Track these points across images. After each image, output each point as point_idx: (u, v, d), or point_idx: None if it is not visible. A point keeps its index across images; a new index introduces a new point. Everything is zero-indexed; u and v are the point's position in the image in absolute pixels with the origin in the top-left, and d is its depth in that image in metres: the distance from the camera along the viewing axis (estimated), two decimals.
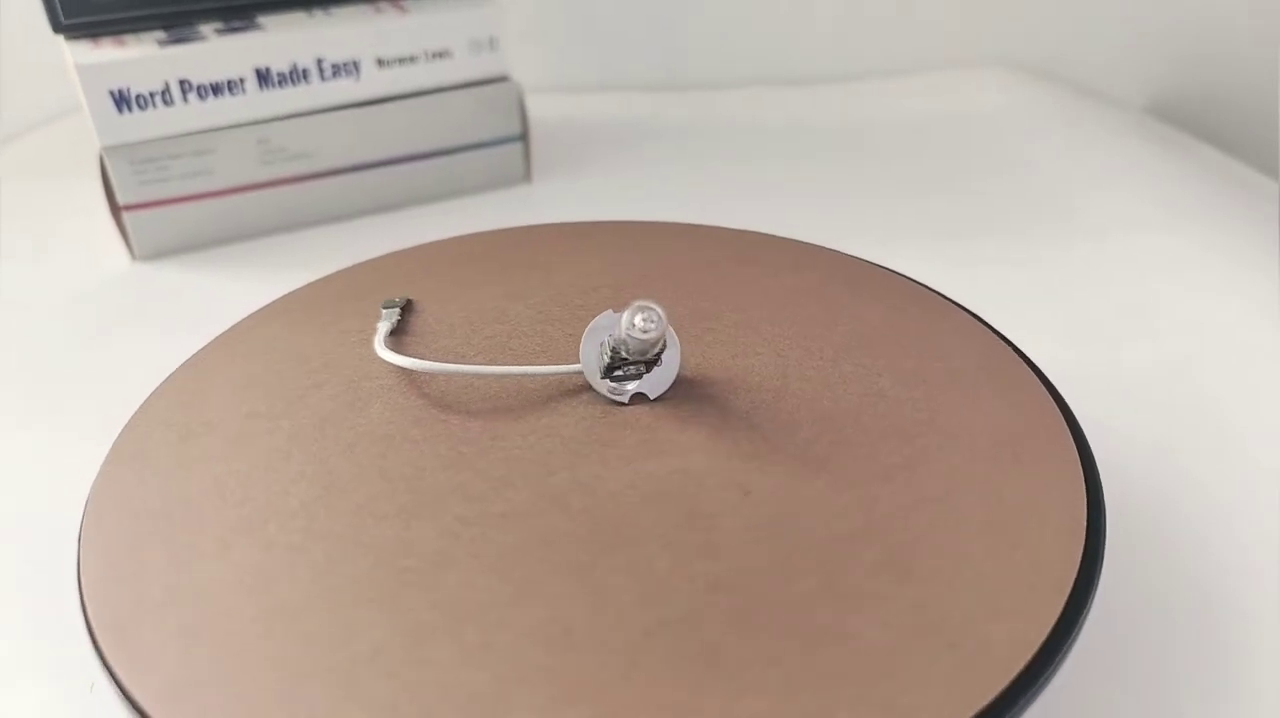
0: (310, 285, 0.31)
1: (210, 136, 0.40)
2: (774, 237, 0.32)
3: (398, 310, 0.28)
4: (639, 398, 0.25)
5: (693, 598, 0.19)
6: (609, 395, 0.25)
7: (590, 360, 0.25)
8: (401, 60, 0.42)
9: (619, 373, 0.25)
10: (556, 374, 0.25)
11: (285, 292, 0.32)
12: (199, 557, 0.20)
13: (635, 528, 0.21)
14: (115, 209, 0.39)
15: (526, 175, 0.47)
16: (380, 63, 0.42)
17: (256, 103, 0.40)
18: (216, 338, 0.28)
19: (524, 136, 0.46)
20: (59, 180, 0.48)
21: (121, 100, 0.38)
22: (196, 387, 0.26)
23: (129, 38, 0.40)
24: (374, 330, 0.28)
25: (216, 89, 0.39)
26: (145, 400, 0.26)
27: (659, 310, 0.23)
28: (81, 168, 0.47)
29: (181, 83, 0.39)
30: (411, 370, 0.26)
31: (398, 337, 0.28)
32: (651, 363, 0.25)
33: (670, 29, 0.60)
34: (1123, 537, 0.26)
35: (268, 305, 0.30)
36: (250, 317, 0.29)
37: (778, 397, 0.25)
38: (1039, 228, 0.42)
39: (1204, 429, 0.30)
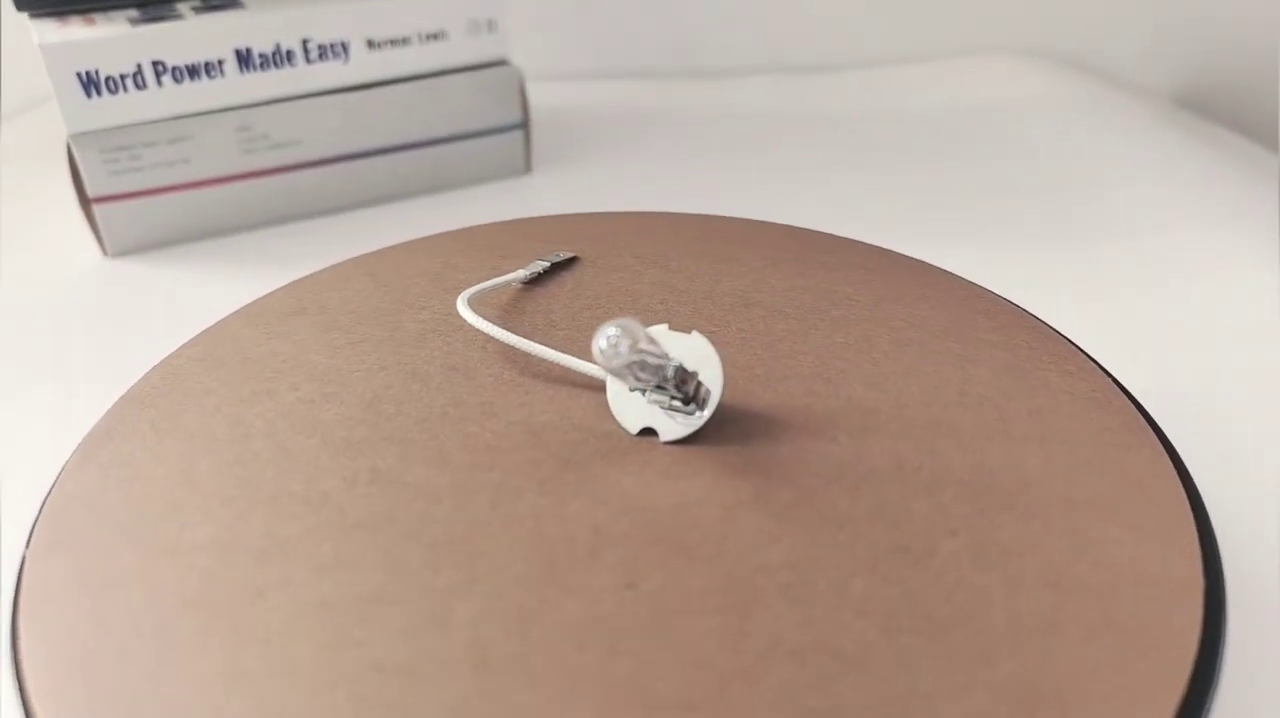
0: (314, 275, 0.29)
1: (187, 123, 0.37)
2: (904, 257, 0.31)
3: (546, 265, 0.29)
4: (648, 433, 0.22)
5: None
6: (615, 416, 0.22)
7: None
8: (393, 42, 0.40)
9: (656, 395, 0.22)
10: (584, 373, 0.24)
11: (267, 290, 0.29)
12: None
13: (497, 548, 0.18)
14: (85, 202, 0.36)
15: (526, 166, 0.44)
16: (371, 44, 0.39)
17: (237, 87, 0.37)
18: (191, 340, 0.26)
19: (524, 125, 0.43)
20: (24, 171, 0.45)
21: (90, 83, 0.35)
22: (169, 390, 0.24)
23: (98, 16, 0.37)
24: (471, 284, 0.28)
25: (193, 71, 0.37)
26: (114, 404, 0.24)
27: (618, 331, 0.20)
28: (50, 157, 0.44)
29: (155, 65, 0.36)
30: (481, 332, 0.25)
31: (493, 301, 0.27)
32: (689, 399, 0.22)
33: (677, 14, 0.58)
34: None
35: (248, 305, 0.27)
36: (229, 317, 0.27)
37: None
38: (1074, 224, 0.39)
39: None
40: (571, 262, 0.30)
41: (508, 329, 0.25)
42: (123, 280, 0.36)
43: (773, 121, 0.51)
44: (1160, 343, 0.32)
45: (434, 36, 0.40)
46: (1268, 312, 0.33)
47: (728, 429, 0.22)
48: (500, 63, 0.42)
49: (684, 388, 0.22)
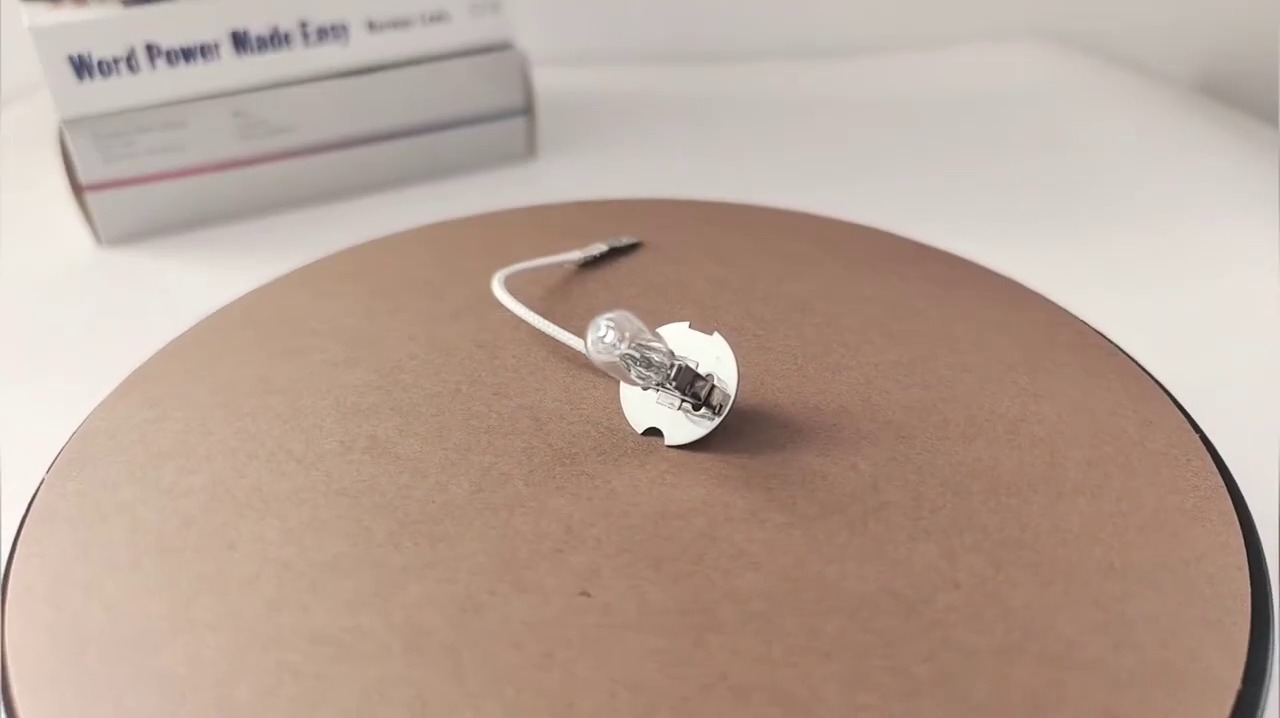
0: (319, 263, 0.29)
1: (181, 108, 0.36)
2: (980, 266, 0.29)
3: (604, 249, 0.28)
4: (654, 433, 0.21)
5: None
6: (624, 413, 0.22)
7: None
8: (394, 24, 0.38)
9: (666, 395, 0.21)
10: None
11: (264, 279, 0.28)
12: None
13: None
14: (77, 189, 0.35)
15: (531, 152, 0.43)
16: (371, 26, 0.38)
17: (232, 70, 0.36)
18: (243, 295, 0.27)
19: (529, 110, 0.42)
20: (14, 159, 0.44)
21: (82, 67, 0.34)
22: (208, 342, 0.25)
23: None
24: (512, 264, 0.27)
25: (188, 54, 0.35)
26: (109, 395, 0.24)
27: (608, 324, 0.19)
28: (40, 145, 0.43)
29: (149, 47, 0.35)
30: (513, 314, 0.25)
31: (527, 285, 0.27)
32: (701, 403, 0.21)
33: None
34: None
35: (308, 264, 0.29)
36: (288, 275, 0.28)
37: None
38: (1096, 212, 0.38)
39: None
40: (634, 247, 0.29)
41: (546, 311, 0.24)
42: (116, 270, 0.35)
43: (782, 107, 0.49)
44: (1196, 341, 0.30)
45: (436, 18, 0.39)
46: None
47: (742, 440, 0.21)
48: (504, 46, 0.41)
49: (690, 390, 0.20)
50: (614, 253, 0.29)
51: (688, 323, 0.22)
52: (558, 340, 0.24)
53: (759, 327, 0.25)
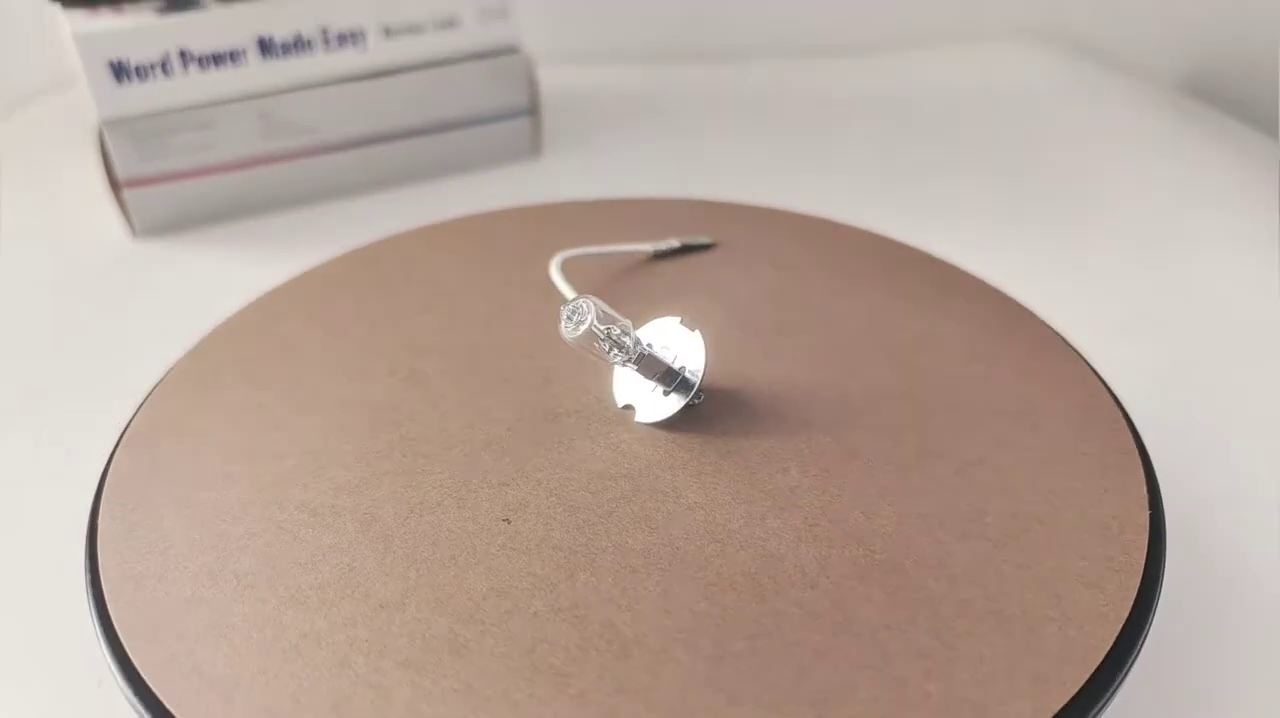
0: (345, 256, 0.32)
1: (211, 110, 0.38)
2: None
3: (676, 245, 0.30)
4: (630, 409, 0.24)
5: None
6: (614, 386, 0.24)
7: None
8: (408, 29, 0.41)
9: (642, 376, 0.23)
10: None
11: (287, 267, 0.31)
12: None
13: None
14: (115, 185, 0.38)
15: (536, 150, 0.46)
16: (387, 32, 0.41)
17: (258, 74, 0.39)
18: (225, 323, 0.28)
19: (533, 110, 0.45)
20: (52, 156, 0.46)
21: (120, 71, 0.37)
22: (212, 368, 0.27)
23: (127, 5, 0.38)
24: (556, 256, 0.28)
25: (218, 59, 0.38)
26: (160, 381, 0.26)
27: (570, 308, 0.21)
28: (77, 142, 0.46)
29: (182, 53, 0.37)
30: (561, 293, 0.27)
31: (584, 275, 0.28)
32: (671, 388, 0.23)
33: None
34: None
35: (430, 226, 0.32)
36: (410, 233, 0.31)
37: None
38: (1075, 212, 0.41)
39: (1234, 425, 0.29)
40: (707, 247, 0.31)
41: (598, 295, 0.26)
42: (153, 260, 0.38)
43: (781, 106, 0.52)
44: (1154, 330, 0.33)
45: (447, 24, 0.42)
46: (1267, 299, 0.34)
47: (705, 426, 0.23)
48: (510, 50, 0.43)
49: (649, 372, 0.23)
50: (686, 250, 0.30)
51: (679, 318, 0.24)
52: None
53: (782, 336, 0.26)
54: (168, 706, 0.17)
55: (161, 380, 0.26)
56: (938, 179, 0.43)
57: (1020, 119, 0.49)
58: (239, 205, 0.41)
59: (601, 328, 0.22)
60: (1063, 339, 0.26)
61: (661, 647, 0.18)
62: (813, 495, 0.21)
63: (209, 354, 0.27)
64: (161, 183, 0.39)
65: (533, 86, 0.44)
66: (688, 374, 0.23)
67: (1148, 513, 0.20)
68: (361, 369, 0.26)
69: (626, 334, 0.22)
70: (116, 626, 0.19)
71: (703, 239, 0.31)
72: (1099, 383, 0.24)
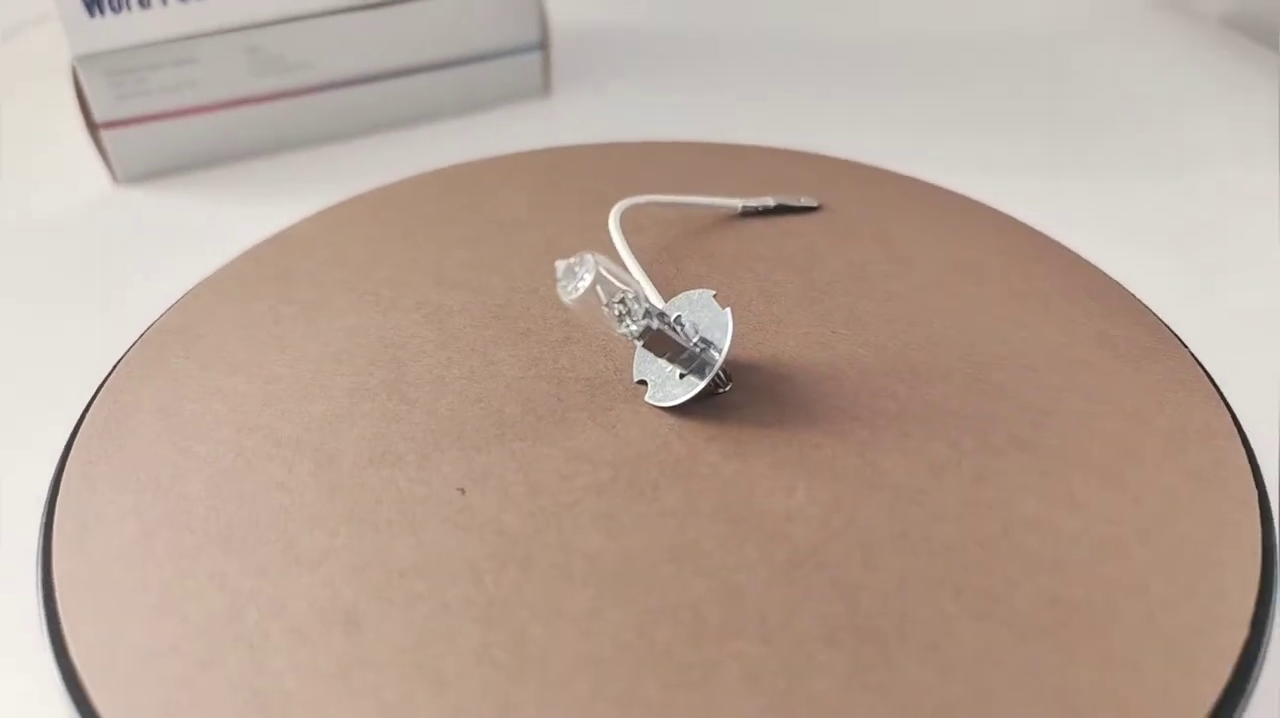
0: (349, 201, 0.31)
1: (192, 44, 0.36)
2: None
3: (771, 204, 0.27)
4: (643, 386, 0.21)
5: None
6: (635, 357, 0.22)
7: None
8: None
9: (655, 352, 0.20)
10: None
11: (281, 215, 0.29)
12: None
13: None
14: (92, 127, 0.35)
15: (545, 88, 0.43)
16: None
17: (244, 4, 0.36)
18: (212, 274, 0.27)
19: (544, 45, 0.41)
20: (31, 96, 0.43)
21: (93, 2, 0.34)
22: (248, 276, 0.27)
23: None
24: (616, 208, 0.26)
25: None
26: (146, 331, 0.25)
27: (568, 264, 0.18)
28: (52, 82, 0.43)
29: None
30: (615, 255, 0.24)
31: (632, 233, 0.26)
32: (690, 363, 0.20)
33: None
34: None
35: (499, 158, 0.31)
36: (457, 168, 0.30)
37: None
38: (1119, 154, 0.38)
39: None
40: (809, 209, 0.27)
41: (658, 249, 0.24)
42: (136, 207, 0.36)
43: (801, 42, 0.48)
44: (1203, 280, 0.30)
45: None
46: None
47: (727, 417, 0.20)
48: None
49: (659, 349, 0.20)
50: (782, 210, 0.26)
51: (713, 292, 0.21)
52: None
53: (849, 327, 0.22)
54: (58, 600, 0.17)
55: (206, 279, 0.26)
56: (966, 118, 0.40)
57: (1055, 55, 0.46)
58: (228, 149, 0.38)
59: (605, 293, 0.19)
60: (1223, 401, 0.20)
61: (563, 676, 0.15)
62: (812, 528, 0.17)
63: (251, 261, 0.26)
64: (142, 124, 0.36)
65: (543, 18, 0.41)
66: (707, 356, 0.20)
67: None
68: (391, 299, 0.25)
69: (637, 302, 0.19)
70: (56, 514, 0.19)
71: (805, 200, 0.27)
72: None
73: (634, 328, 0.19)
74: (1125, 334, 0.22)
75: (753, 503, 0.18)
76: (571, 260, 0.19)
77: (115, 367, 0.24)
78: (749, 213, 0.26)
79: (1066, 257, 0.26)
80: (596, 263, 0.19)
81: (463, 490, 0.19)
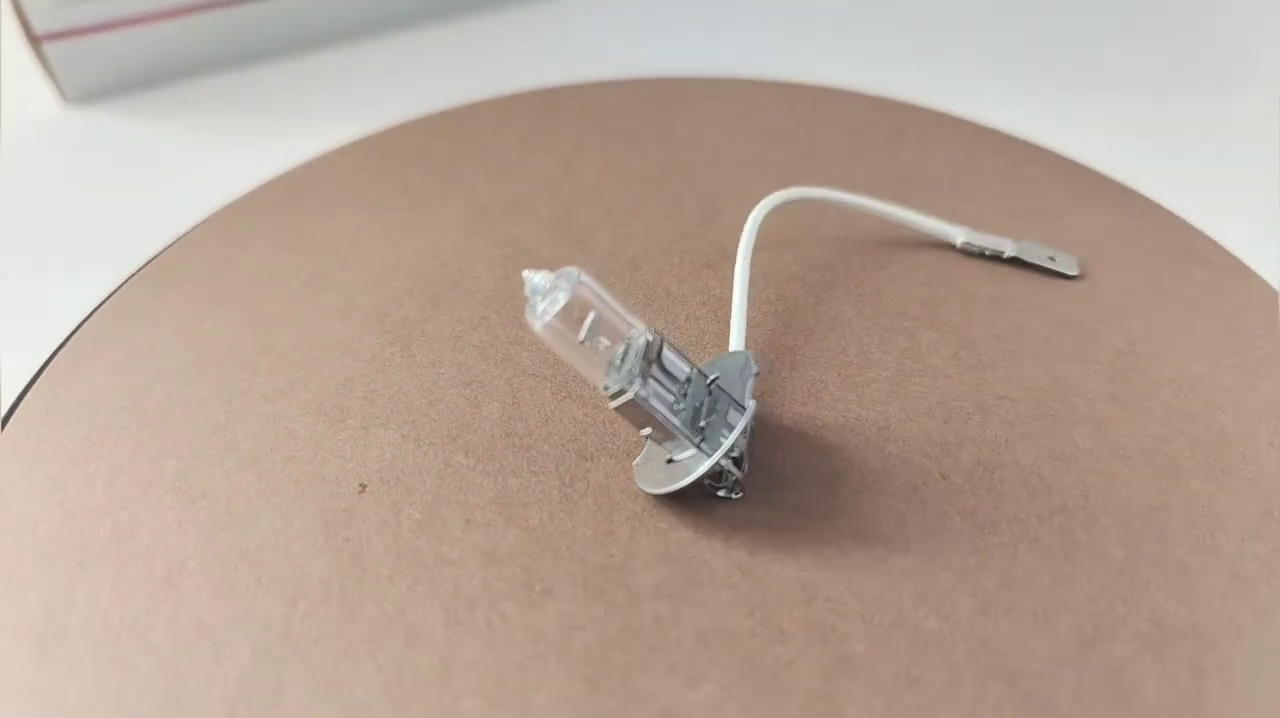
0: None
1: None
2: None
3: (1012, 253, 0.19)
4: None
5: None
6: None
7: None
8: None
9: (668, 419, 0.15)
10: None
11: (250, 137, 0.26)
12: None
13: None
14: (34, 40, 0.32)
15: None
16: None
17: None
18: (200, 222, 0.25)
19: None
20: None
21: None
22: (250, 219, 0.25)
23: None
24: None
25: None
26: (262, 184, 0.26)
27: (543, 279, 0.14)
28: None
29: None
30: None
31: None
32: (682, 450, 0.16)
33: None
34: None
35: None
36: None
37: None
38: (1215, 90, 0.33)
39: None
40: (1062, 277, 0.19)
41: (790, 276, 0.18)
42: (87, 130, 0.32)
43: None
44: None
45: None
46: None
47: (698, 559, 0.15)
48: None
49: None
50: (1019, 264, 0.18)
51: (752, 354, 0.16)
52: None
53: (965, 414, 0.17)
54: None
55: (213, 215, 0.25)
56: (1053, 55, 0.36)
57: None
58: (188, 62, 0.34)
59: (574, 329, 0.14)
60: None
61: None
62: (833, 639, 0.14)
63: (253, 202, 0.25)
64: (89, 35, 0.32)
65: None
66: (702, 447, 0.15)
67: None
68: (413, 250, 0.23)
69: (631, 346, 0.14)
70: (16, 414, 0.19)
71: (1060, 261, 0.19)
72: None
73: (611, 384, 0.14)
74: None
75: (703, 643, 0.15)
76: (540, 275, 0.14)
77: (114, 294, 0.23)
78: (970, 253, 0.19)
79: None
80: (575, 284, 0.14)
81: (364, 487, 0.18)
